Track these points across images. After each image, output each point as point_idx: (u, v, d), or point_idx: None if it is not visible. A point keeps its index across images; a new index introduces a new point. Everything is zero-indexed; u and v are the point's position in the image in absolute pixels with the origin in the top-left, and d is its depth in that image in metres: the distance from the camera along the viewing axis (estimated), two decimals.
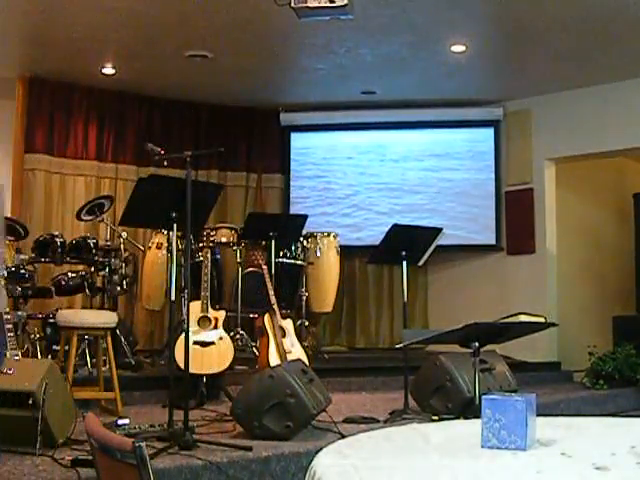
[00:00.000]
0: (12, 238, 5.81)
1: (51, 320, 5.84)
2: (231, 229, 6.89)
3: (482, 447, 2.09)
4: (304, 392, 4.21)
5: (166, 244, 6.56)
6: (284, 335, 5.69)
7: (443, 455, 2.02)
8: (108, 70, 7.13)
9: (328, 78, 7.35)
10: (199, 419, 4.70)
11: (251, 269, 6.97)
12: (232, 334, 6.35)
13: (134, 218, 4.50)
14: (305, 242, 7.10)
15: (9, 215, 6.71)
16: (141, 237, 7.39)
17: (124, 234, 6.13)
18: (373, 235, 7.92)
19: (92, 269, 6.17)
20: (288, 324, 5.81)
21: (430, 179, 8.27)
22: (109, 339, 5.00)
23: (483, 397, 2.16)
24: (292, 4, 4.50)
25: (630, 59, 6.73)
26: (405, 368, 5.10)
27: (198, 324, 5.50)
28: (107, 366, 5.14)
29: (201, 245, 6.27)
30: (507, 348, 6.28)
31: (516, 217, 7.99)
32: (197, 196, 4.10)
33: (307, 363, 4.96)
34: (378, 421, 4.81)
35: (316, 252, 7.12)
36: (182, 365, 4.24)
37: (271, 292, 5.85)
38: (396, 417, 4.87)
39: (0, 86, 7.28)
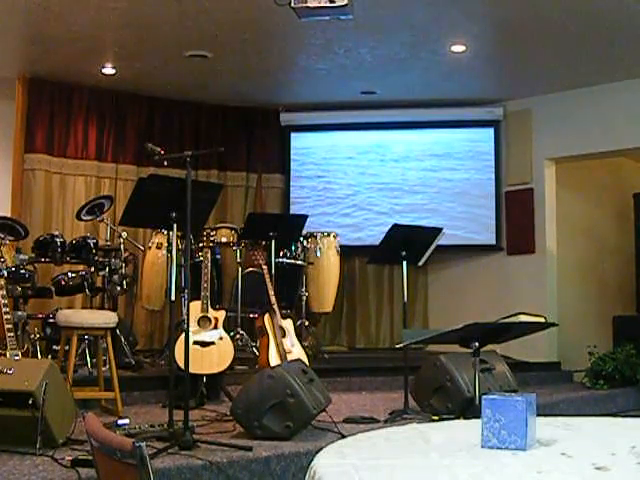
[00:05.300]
0: (12, 238, 5.80)
1: (51, 320, 5.84)
2: (231, 229, 6.89)
3: (482, 447, 2.09)
4: (304, 392, 4.21)
5: (166, 244, 6.55)
6: (284, 335, 5.69)
7: (443, 455, 2.02)
8: (108, 70, 7.12)
9: (328, 78, 7.35)
10: (199, 419, 4.70)
11: (251, 269, 6.97)
12: (232, 334, 6.35)
13: (134, 218, 4.50)
14: (305, 242, 7.10)
15: (9, 215, 6.72)
16: (141, 237, 7.39)
17: (124, 234, 6.13)
18: (373, 235, 7.93)
19: (92, 269, 6.16)
20: (288, 324, 5.81)
21: (430, 179, 8.27)
22: (109, 339, 4.99)
23: (483, 397, 2.16)
24: (292, 4, 4.50)
25: (630, 59, 6.73)
26: (405, 368, 5.10)
27: (198, 324, 5.50)
28: (107, 366, 5.14)
29: (201, 245, 6.26)
30: (507, 348, 6.29)
31: (516, 217, 7.98)
32: (197, 196, 4.10)
33: (307, 363, 4.96)
34: (378, 421, 4.81)
35: (316, 252, 7.12)
36: (182, 365, 4.24)
37: (271, 292, 5.85)
38: (396, 417, 4.88)
39: (0, 86, 7.28)
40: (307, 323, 7.05)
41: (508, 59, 6.90)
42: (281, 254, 6.91)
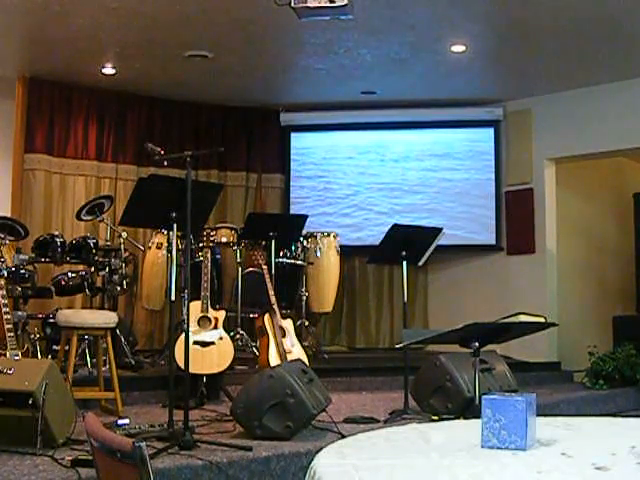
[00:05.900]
0: (12, 238, 5.80)
1: (51, 320, 5.84)
2: (231, 229, 6.89)
3: (482, 447, 2.09)
4: (304, 392, 4.21)
5: (166, 244, 6.56)
6: (284, 335, 5.69)
7: (443, 455, 2.02)
8: (108, 70, 7.12)
9: (328, 78, 7.35)
10: (199, 419, 4.70)
11: (251, 269, 6.97)
12: (232, 334, 6.35)
13: (134, 218, 4.50)
14: (305, 242, 7.10)
15: (9, 215, 6.72)
16: (141, 237, 7.39)
17: (124, 234, 6.13)
18: (373, 235, 7.92)
19: (92, 269, 6.17)
20: (288, 324, 5.81)
21: (430, 179, 8.27)
22: (109, 339, 5.00)
23: (483, 397, 2.16)
24: (292, 4, 4.51)
25: (630, 59, 6.72)
26: (405, 368, 5.10)
27: (198, 324, 5.50)
28: (107, 366, 5.14)
29: (201, 245, 6.26)
30: (507, 348, 6.30)
31: (516, 217, 7.98)
32: (197, 196, 4.10)
33: (307, 363, 4.96)
34: (378, 421, 4.81)
35: (316, 252, 7.12)
36: (182, 365, 4.24)
37: (271, 292, 5.85)
38: (396, 417, 4.88)
39: (0, 86, 7.28)
40: (307, 323, 7.05)
41: (508, 59, 6.90)
42: (281, 254, 6.91)
